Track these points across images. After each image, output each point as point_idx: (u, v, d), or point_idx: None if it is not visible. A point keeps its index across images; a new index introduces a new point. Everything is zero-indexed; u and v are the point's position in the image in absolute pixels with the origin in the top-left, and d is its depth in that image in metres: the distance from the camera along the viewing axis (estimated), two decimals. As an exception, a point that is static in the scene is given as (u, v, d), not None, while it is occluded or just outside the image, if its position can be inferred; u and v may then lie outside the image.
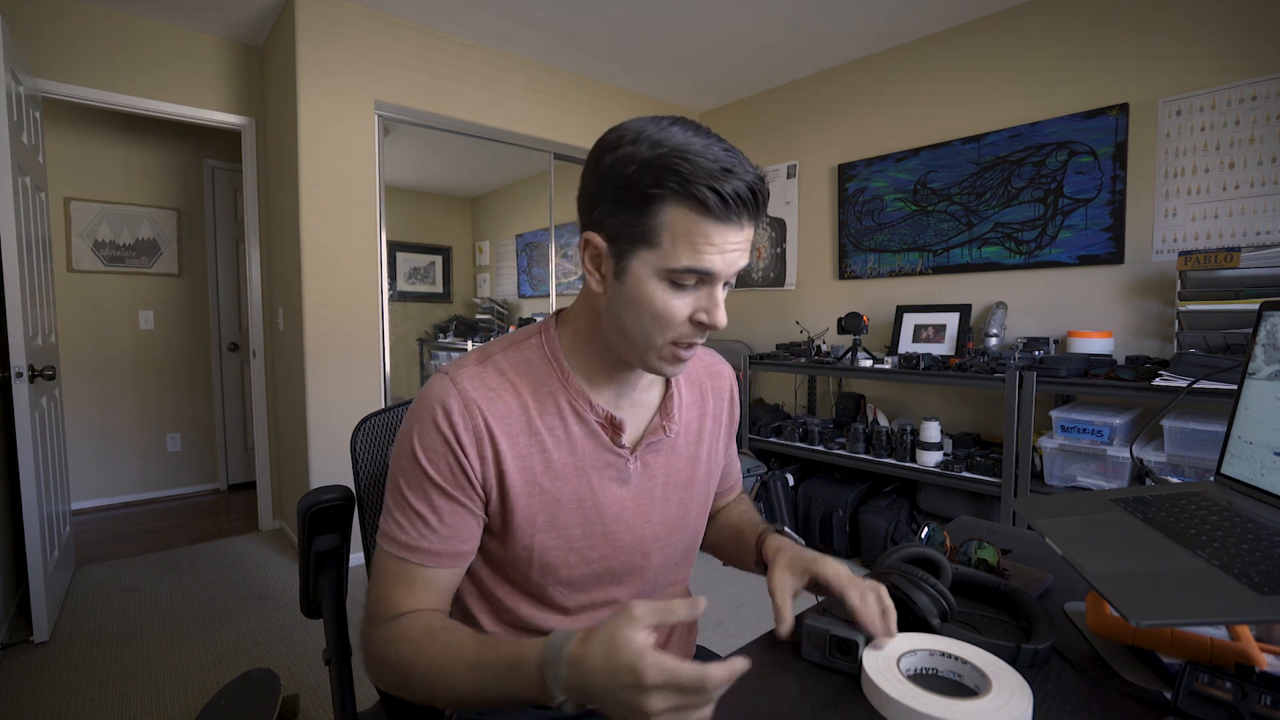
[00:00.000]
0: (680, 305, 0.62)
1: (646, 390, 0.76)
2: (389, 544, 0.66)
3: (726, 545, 0.88)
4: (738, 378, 0.95)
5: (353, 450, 0.89)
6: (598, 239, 0.63)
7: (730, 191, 0.57)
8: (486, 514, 0.68)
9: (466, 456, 0.65)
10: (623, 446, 0.71)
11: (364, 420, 0.91)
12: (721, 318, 0.62)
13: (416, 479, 0.65)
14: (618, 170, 0.59)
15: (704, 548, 0.91)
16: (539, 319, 3.36)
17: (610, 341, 0.68)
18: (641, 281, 0.61)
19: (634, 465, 0.72)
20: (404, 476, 0.66)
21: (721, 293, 0.63)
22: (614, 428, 0.71)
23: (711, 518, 0.93)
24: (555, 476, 0.68)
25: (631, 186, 0.59)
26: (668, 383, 0.78)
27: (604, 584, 0.74)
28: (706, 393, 0.82)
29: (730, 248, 0.60)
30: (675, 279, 0.60)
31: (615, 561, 0.73)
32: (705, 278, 0.60)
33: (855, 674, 0.60)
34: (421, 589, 0.65)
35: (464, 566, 0.69)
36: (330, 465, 2.57)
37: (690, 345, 0.65)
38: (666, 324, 0.62)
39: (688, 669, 0.46)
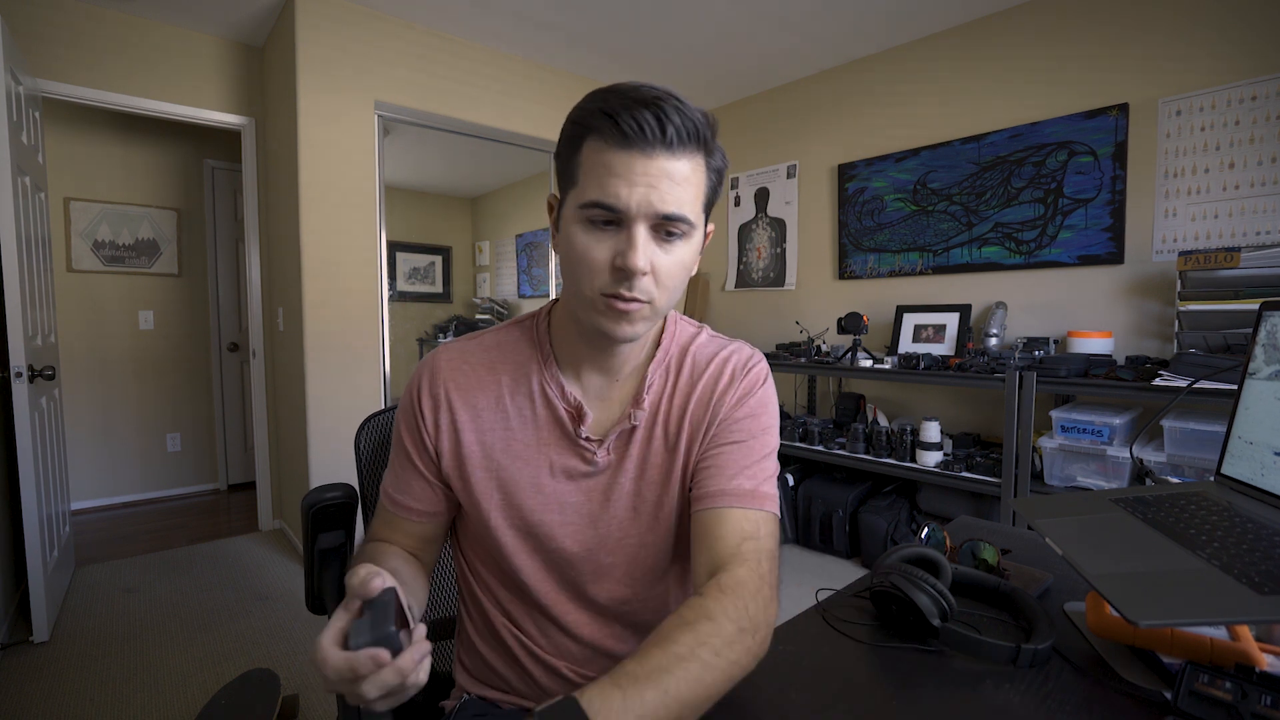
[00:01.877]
0: (599, 248, 0.58)
1: (629, 377, 0.71)
2: (381, 488, 0.76)
3: None
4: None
5: (356, 448, 0.89)
6: (554, 194, 0.66)
7: (629, 117, 0.54)
8: (443, 480, 0.72)
9: (424, 420, 0.70)
10: (584, 438, 0.68)
11: (368, 419, 0.91)
12: (636, 260, 0.56)
13: (395, 436, 0.74)
14: (563, 125, 0.62)
15: None
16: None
17: (570, 304, 0.66)
18: (568, 225, 0.60)
19: (603, 456, 0.69)
20: (393, 436, 0.75)
21: (640, 233, 0.57)
22: (578, 417, 0.69)
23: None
24: (514, 456, 0.69)
25: (564, 134, 0.61)
26: (645, 365, 0.72)
27: (572, 582, 0.71)
28: (699, 375, 0.71)
29: (637, 179, 0.55)
30: (590, 217, 0.58)
31: (575, 556, 0.70)
32: (616, 214, 0.57)
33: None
34: (387, 526, 0.73)
35: (421, 524, 0.73)
36: (330, 465, 2.56)
37: (626, 299, 0.59)
38: (588, 269, 0.59)
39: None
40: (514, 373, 0.70)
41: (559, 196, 0.64)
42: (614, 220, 0.58)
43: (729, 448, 0.68)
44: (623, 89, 0.57)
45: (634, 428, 0.70)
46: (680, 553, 0.74)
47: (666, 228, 0.59)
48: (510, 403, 0.69)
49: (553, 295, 3.38)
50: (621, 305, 0.59)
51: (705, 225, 0.66)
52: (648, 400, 0.70)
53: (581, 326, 0.66)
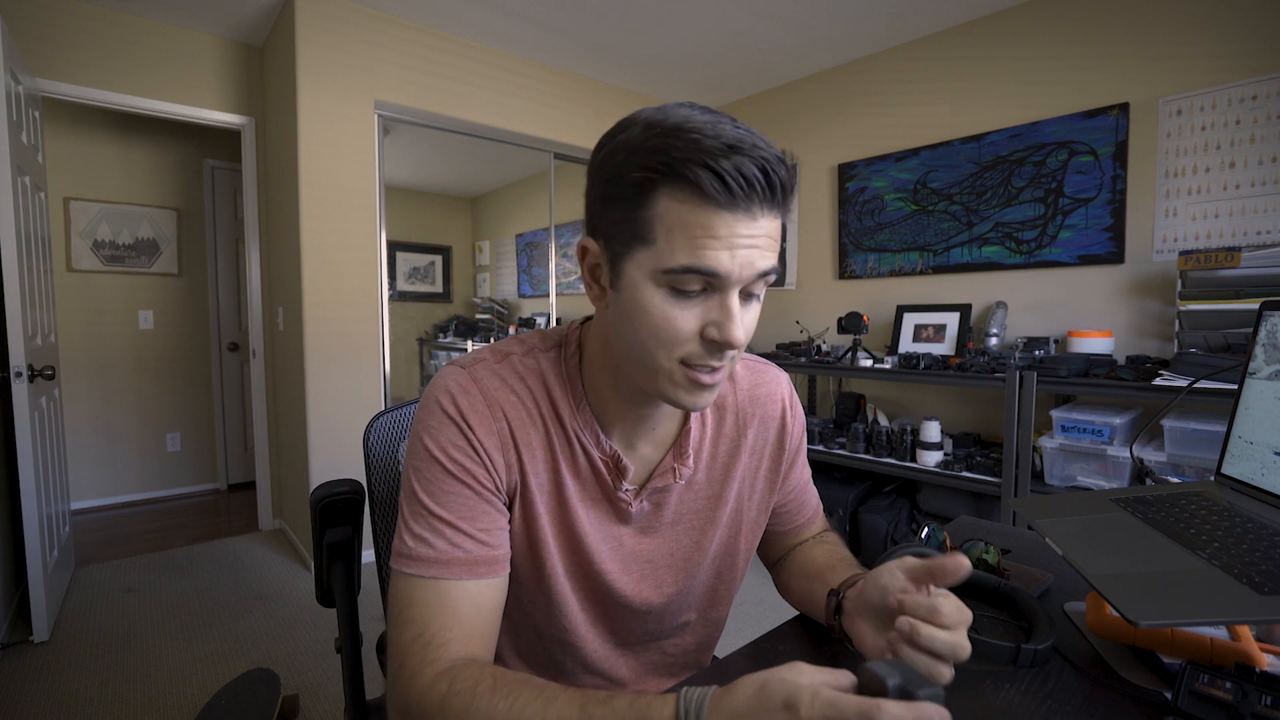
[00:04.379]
0: (685, 317, 0.51)
1: (664, 422, 0.66)
2: (413, 565, 0.55)
3: (798, 588, 0.73)
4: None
5: (366, 445, 0.89)
6: (594, 244, 0.55)
7: (732, 171, 0.46)
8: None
9: (490, 459, 0.59)
10: (625, 490, 0.64)
11: (377, 417, 0.91)
12: (737, 332, 0.51)
13: (437, 480, 0.57)
14: (611, 160, 0.51)
15: (780, 591, 0.79)
16: (540, 320, 3.28)
17: (621, 367, 0.59)
18: (638, 289, 0.52)
19: (638, 507, 0.65)
20: (422, 482, 0.58)
21: (736, 301, 0.51)
22: (618, 471, 0.64)
23: (784, 558, 0.79)
24: (563, 500, 0.63)
25: (622, 177, 0.50)
26: (686, 415, 0.67)
27: (601, 619, 0.69)
28: (747, 421, 0.70)
29: (740, 242, 0.48)
30: (675, 283, 0.50)
31: (604, 598, 0.68)
32: (711, 281, 0.50)
33: None
34: (469, 614, 0.55)
35: (504, 580, 0.59)
36: (330, 465, 2.56)
37: (711, 369, 0.54)
38: (670, 341, 0.52)
39: (852, 701, 0.38)
40: (551, 408, 0.62)
41: (612, 249, 0.54)
42: (707, 286, 0.51)
43: (797, 476, 0.77)
44: (703, 130, 0.47)
45: (670, 484, 0.66)
46: (709, 587, 0.73)
47: (752, 288, 0.53)
48: (556, 441, 0.62)
49: (553, 295, 3.37)
50: (707, 379, 0.54)
51: None
52: (693, 453, 0.67)
53: (632, 389, 0.60)
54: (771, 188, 0.48)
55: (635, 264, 0.52)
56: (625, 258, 0.52)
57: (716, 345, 0.52)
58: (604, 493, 0.65)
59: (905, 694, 0.39)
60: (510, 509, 0.62)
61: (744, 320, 0.52)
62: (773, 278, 0.52)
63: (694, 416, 0.67)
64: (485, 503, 0.59)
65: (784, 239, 3.37)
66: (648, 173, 0.49)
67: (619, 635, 0.71)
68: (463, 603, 0.55)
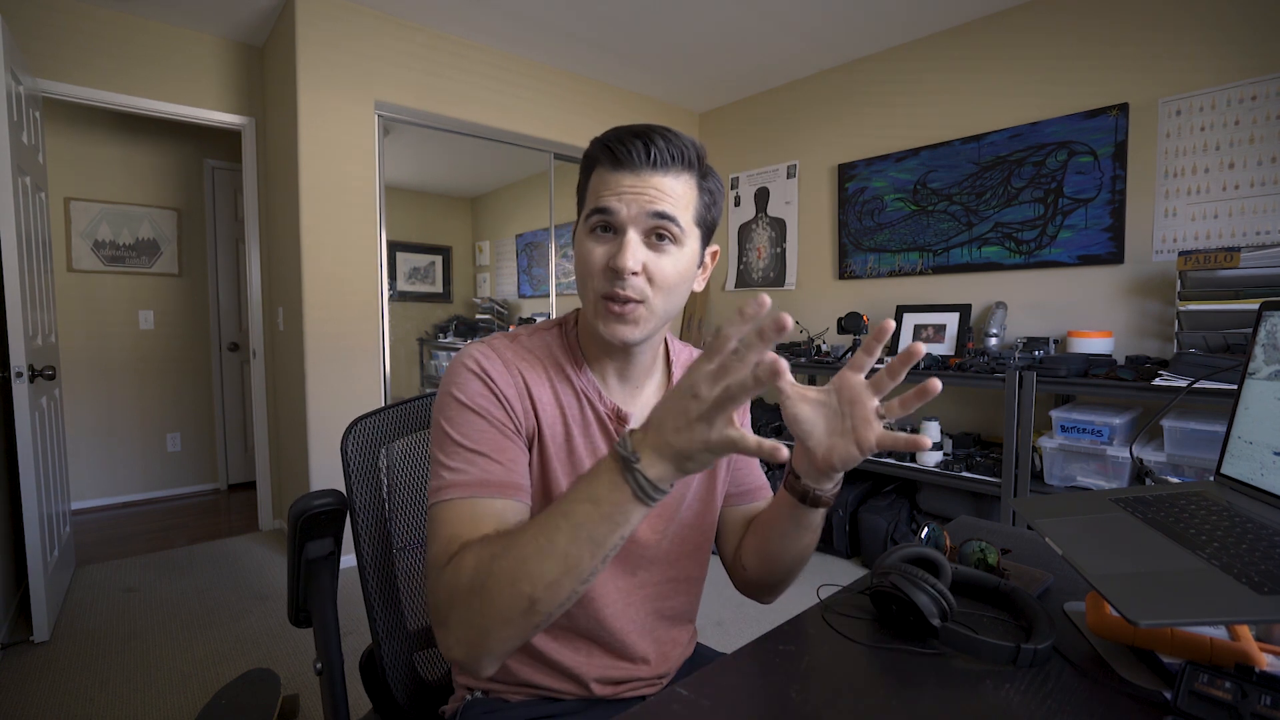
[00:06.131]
0: (598, 253, 0.66)
1: (651, 384, 0.78)
2: (448, 491, 0.63)
3: (752, 535, 0.80)
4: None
5: (344, 453, 0.83)
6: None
7: (617, 144, 0.65)
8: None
9: (511, 405, 0.68)
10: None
11: (355, 422, 0.85)
12: (625, 260, 0.64)
13: (468, 421, 0.66)
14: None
15: (743, 575, 0.82)
16: (539, 319, 3.33)
17: (584, 315, 0.73)
18: (579, 240, 0.69)
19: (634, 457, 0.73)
20: (453, 425, 0.66)
21: (632, 238, 0.65)
22: (619, 420, 0.74)
23: (738, 546, 0.84)
24: (572, 450, 0.72)
25: (580, 174, 0.72)
26: (669, 376, 0.80)
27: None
28: None
29: (627, 191, 0.64)
30: (591, 225, 0.67)
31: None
32: (610, 220, 0.65)
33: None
34: (491, 521, 0.61)
35: (525, 507, 0.66)
36: (330, 466, 2.57)
37: (619, 299, 0.65)
38: (589, 272, 0.67)
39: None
40: (557, 373, 0.74)
41: (576, 222, 0.72)
42: (611, 227, 0.66)
43: None
44: (620, 127, 0.67)
45: None
46: (698, 539, 0.81)
47: (657, 230, 0.66)
48: (563, 399, 0.73)
49: (553, 295, 3.38)
50: (616, 308, 0.66)
51: (704, 244, 0.72)
52: None
53: (596, 336, 0.71)
54: (648, 153, 0.64)
55: (579, 222, 0.70)
56: (577, 223, 0.71)
57: (615, 273, 0.65)
58: (610, 443, 0.74)
59: None
60: (530, 446, 0.71)
61: (653, 261, 0.66)
62: (678, 227, 0.66)
63: (672, 378, 0.79)
64: (508, 439, 0.67)
65: (784, 240, 3.38)
66: (585, 161, 0.70)
67: (615, 576, 0.75)
68: (488, 517, 0.62)
